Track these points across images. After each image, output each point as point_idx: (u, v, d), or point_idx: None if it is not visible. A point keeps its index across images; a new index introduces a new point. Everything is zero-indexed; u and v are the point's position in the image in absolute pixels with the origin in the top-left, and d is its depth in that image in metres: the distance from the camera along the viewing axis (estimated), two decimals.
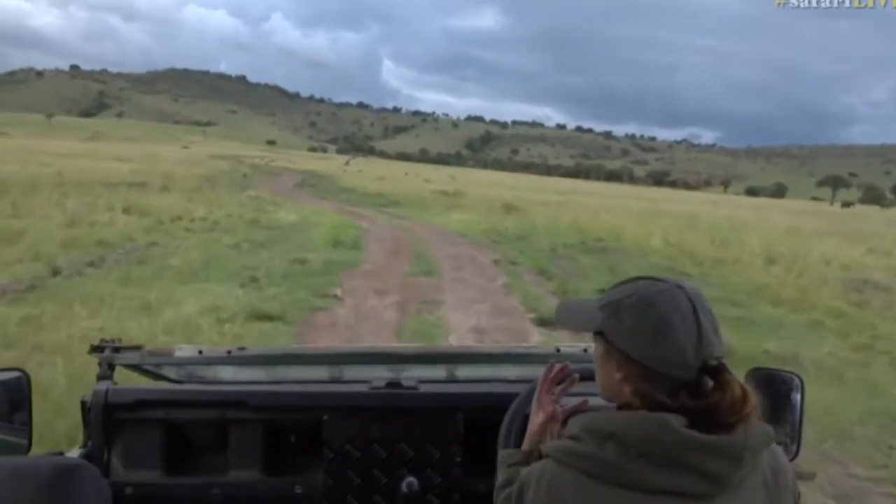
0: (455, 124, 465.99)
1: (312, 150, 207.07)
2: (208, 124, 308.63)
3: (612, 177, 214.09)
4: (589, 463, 1.00)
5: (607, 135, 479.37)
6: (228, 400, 1.74)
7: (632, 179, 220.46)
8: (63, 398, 4.20)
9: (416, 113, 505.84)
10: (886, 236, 26.23)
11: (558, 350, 1.80)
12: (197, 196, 22.60)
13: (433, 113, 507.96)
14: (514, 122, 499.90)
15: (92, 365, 5.19)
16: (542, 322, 7.92)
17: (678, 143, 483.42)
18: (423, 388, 1.77)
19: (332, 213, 22.40)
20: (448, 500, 1.69)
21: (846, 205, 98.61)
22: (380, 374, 1.84)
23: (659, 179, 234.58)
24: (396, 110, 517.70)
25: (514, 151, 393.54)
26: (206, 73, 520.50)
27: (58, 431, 3.85)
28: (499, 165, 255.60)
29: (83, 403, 1.70)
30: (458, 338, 7.33)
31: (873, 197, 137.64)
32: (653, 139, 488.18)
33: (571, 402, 1.31)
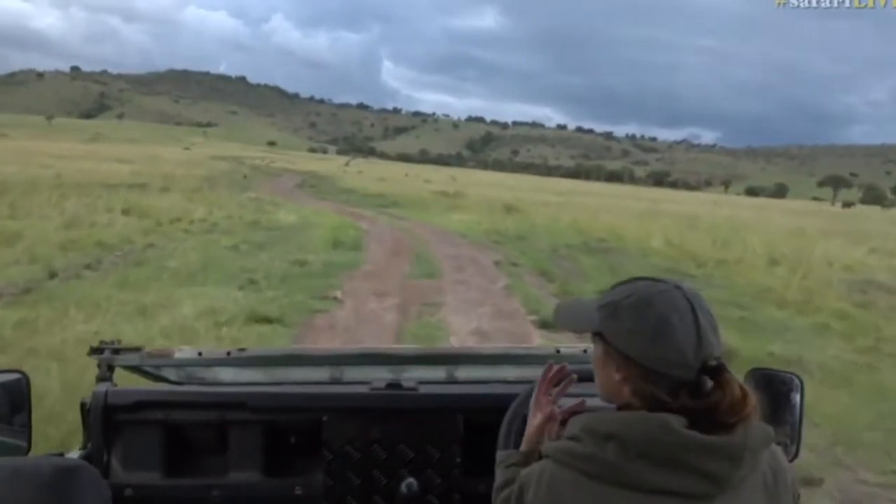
0: (455, 125, 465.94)
1: (312, 150, 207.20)
2: (209, 125, 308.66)
3: (613, 177, 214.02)
4: (589, 463, 1.00)
5: (608, 135, 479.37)
6: (228, 401, 1.73)
7: (632, 180, 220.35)
8: (56, 405, 4.11)
9: (417, 113, 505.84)
10: (889, 236, 26.15)
11: (558, 351, 1.80)
12: (197, 197, 22.54)
13: (433, 113, 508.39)
14: (515, 123, 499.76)
15: (87, 370, 5.10)
16: (544, 324, 7.82)
17: (678, 143, 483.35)
18: (423, 389, 1.76)
19: (332, 213, 22.33)
20: (448, 500, 1.69)
21: (847, 205, 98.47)
22: (379, 375, 1.83)
23: (659, 180, 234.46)
24: (396, 111, 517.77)
25: (515, 152, 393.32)
26: (207, 74, 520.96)
27: (51, 439, 3.76)
28: (499, 166, 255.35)
29: (83, 405, 1.70)
30: (459, 341, 7.25)
31: (874, 197, 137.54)
32: (653, 139, 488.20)
33: (570, 402, 1.32)
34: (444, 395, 1.79)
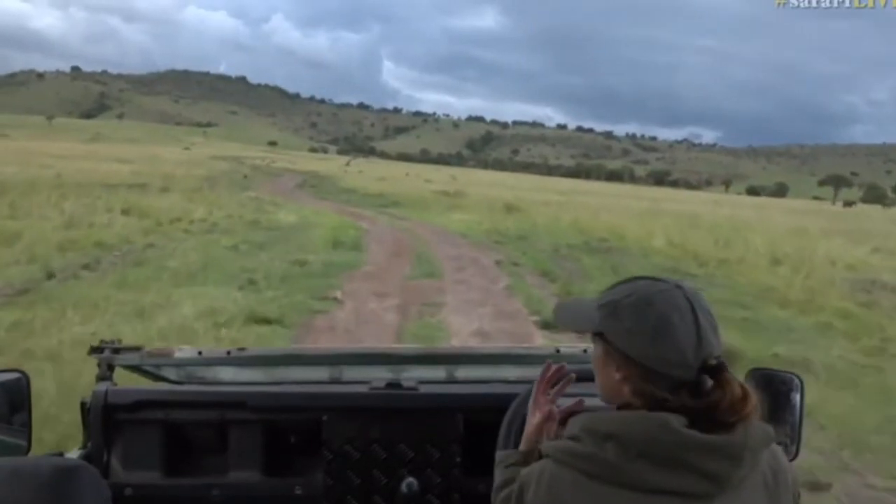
0: (456, 124, 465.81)
1: (313, 150, 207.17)
2: (209, 125, 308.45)
3: (613, 177, 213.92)
4: (589, 463, 0.99)
5: (608, 135, 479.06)
6: (228, 401, 1.73)
7: (633, 179, 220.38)
8: (52, 408, 4.05)
9: (417, 113, 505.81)
10: (891, 235, 26.06)
11: (558, 351, 1.80)
12: (197, 197, 22.48)
13: (434, 113, 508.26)
14: (515, 123, 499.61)
15: (83, 372, 5.03)
16: (546, 325, 7.75)
17: (679, 142, 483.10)
18: (423, 389, 1.76)
19: (332, 213, 22.27)
20: (448, 500, 1.68)
21: (848, 204, 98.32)
22: (379, 375, 1.83)
23: (660, 179, 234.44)
24: (397, 111, 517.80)
25: (515, 151, 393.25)
26: (207, 74, 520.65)
27: (45, 443, 3.69)
28: (499, 165, 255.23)
29: (83, 404, 1.70)
30: (460, 342, 7.18)
31: (875, 196, 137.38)
32: (653, 139, 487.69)
33: (568, 402, 1.32)
34: (444, 395, 1.78)
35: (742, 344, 7.03)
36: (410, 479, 1.65)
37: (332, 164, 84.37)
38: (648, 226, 21.70)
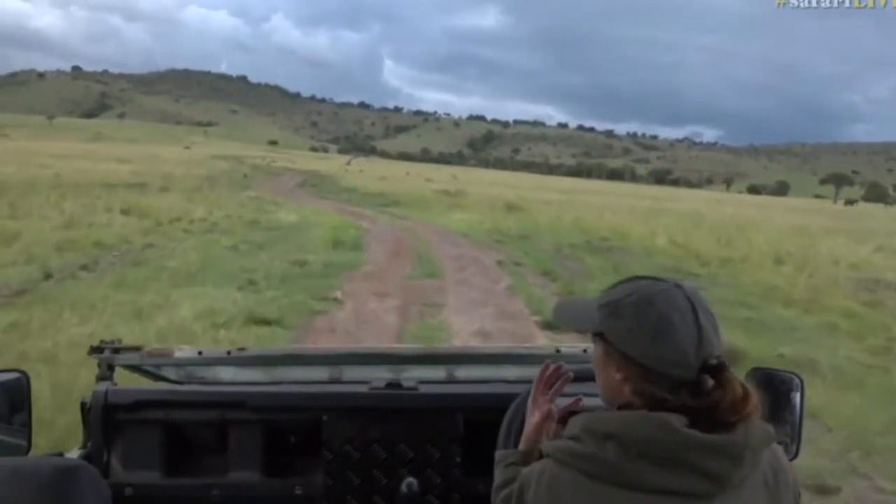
0: (456, 123, 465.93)
1: (314, 150, 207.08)
2: (209, 125, 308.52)
3: (614, 175, 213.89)
4: (589, 463, 0.99)
5: (609, 133, 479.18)
6: (228, 401, 1.73)
7: (633, 178, 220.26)
8: (46, 412, 3.96)
9: (418, 112, 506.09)
10: (894, 234, 25.95)
11: (558, 350, 1.79)
12: (197, 197, 22.40)
13: (434, 112, 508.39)
14: (516, 122, 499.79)
15: (79, 374, 4.94)
16: (548, 325, 7.67)
17: (680, 141, 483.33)
18: (423, 389, 1.76)
19: (332, 213, 22.16)
20: (448, 500, 1.68)
21: (849, 202, 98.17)
22: (379, 375, 1.83)
23: (661, 178, 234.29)
24: (398, 110, 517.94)
25: (516, 150, 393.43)
26: (208, 73, 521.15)
27: (38, 448, 3.61)
28: (500, 164, 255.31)
29: (83, 404, 1.70)
30: (461, 343, 7.09)
31: (876, 194, 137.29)
32: (654, 138, 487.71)
33: (568, 401, 1.33)
34: (444, 395, 1.78)
35: (746, 344, 6.95)
36: (410, 479, 1.65)
37: (332, 164, 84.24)
38: (650, 225, 21.63)
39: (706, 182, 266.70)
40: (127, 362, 1.79)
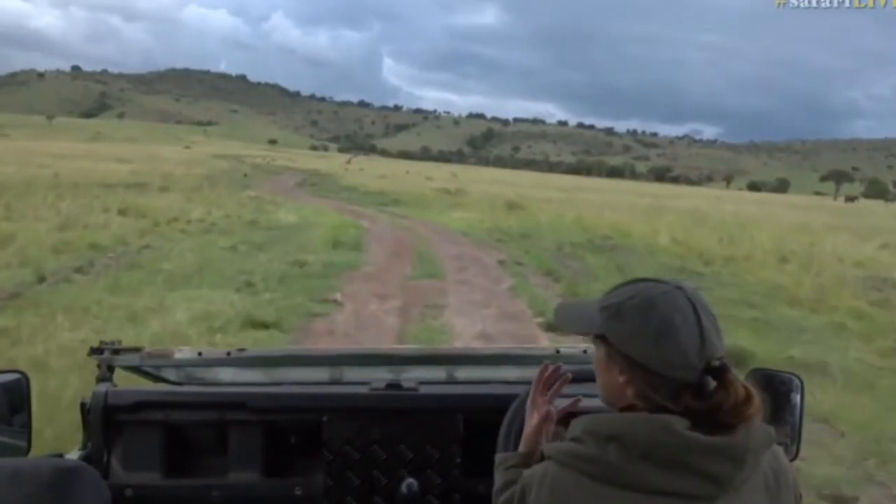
0: (456, 122, 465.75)
1: (314, 148, 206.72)
2: (209, 124, 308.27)
3: (614, 173, 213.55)
4: (591, 465, 0.99)
5: (609, 131, 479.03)
6: (228, 401, 1.73)
7: (633, 175, 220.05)
8: (34, 423, 3.80)
9: (418, 111, 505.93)
10: None
11: (558, 351, 1.80)
12: (196, 196, 22.23)
13: (434, 111, 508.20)
14: (516, 120, 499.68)
15: (69, 381, 4.76)
16: (551, 327, 7.52)
17: (680, 138, 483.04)
18: (423, 390, 1.76)
19: (332, 212, 22.01)
20: (448, 501, 1.68)
21: (850, 199, 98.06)
22: (379, 376, 1.83)
23: (661, 175, 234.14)
24: (398, 108, 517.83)
25: (516, 148, 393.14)
26: (207, 72, 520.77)
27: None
28: (500, 163, 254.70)
29: (83, 405, 1.70)
30: (463, 345, 6.95)
31: (877, 191, 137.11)
32: (654, 135, 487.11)
33: (567, 402, 1.33)
34: (444, 396, 1.78)
35: (754, 346, 6.81)
36: (410, 480, 1.65)
37: (332, 162, 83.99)
38: (652, 223, 21.48)
39: (706, 179, 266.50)
40: (127, 363, 1.79)
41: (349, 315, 8.00)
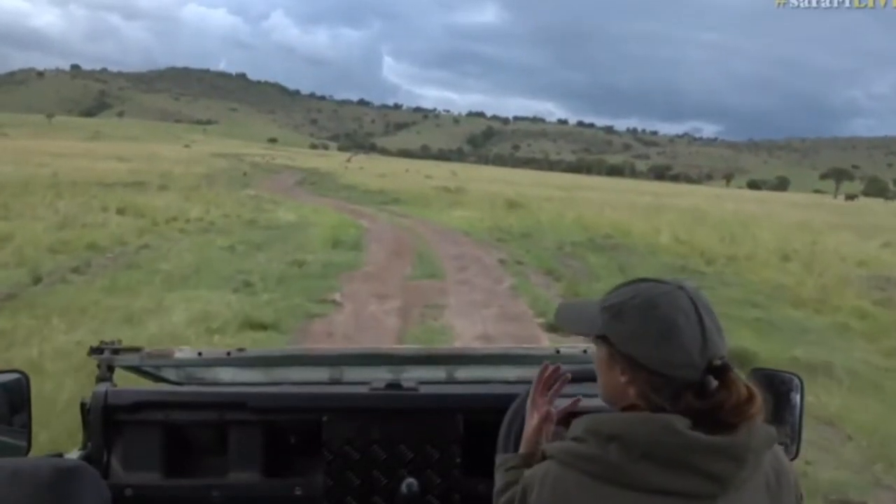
0: (456, 120, 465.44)
1: (314, 147, 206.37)
2: (209, 122, 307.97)
3: (614, 171, 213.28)
4: (592, 464, 0.99)
5: (609, 129, 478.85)
6: (228, 401, 1.73)
7: (633, 174, 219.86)
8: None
9: (418, 109, 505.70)
10: None
11: (558, 351, 1.80)
12: (195, 195, 22.15)
13: (434, 109, 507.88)
14: (516, 118, 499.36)
15: (64, 385, 4.67)
16: (553, 328, 7.44)
17: (680, 137, 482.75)
18: (423, 390, 1.76)
19: (332, 211, 21.93)
20: (448, 500, 1.68)
21: (850, 197, 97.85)
22: (379, 376, 1.83)
23: (660, 174, 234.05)
24: (397, 107, 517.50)
25: (516, 147, 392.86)
26: (207, 71, 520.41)
27: None
28: (500, 161, 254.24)
29: (83, 405, 1.70)
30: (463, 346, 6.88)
31: (876, 189, 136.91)
32: (654, 133, 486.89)
33: (567, 402, 1.34)
34: (444, 396, 1.78)
35: (757, 346, 6.74)
36: (410, 480, 1.64)
37: (332, 161, 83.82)
38: (653, 222, 21.42)
39: (706, 178, 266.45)
40: (127, 363, 1.79)
41: (348, 316, 7.92)
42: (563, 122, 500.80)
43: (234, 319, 6.99)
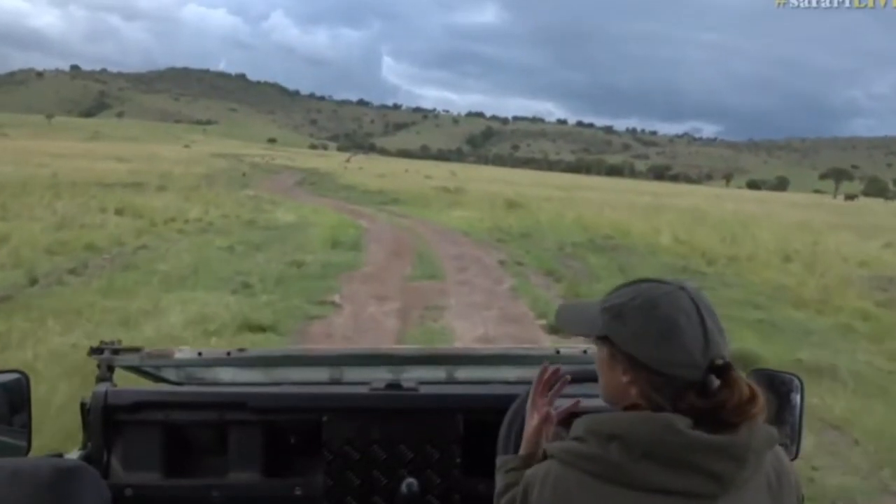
0: (455, 120, 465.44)
1: (313, 147, 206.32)
2: (209, 123, 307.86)
3: (613, 171, 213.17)
4: (593, 464, 0.99)
5: (608, 129, 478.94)
6: (228, 401, 1.74)
7: (633, 174, 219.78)
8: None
9: (417, 109, 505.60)
10: None
11: (558, 352, 1.79)
12: (194, 196, 22.07)
13: (434, 109, 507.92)
14: (515, 118, 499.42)
15: (58, 388, 4.59)
16: (554, 330, 7.37)
17: (679, 137, 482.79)
18: (423, 390, 1.76)
19: (331, 211, 21.87)
20: (448, 500, 1.68)
21: (850, 197, 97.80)
22: (379, 376, 1.83)
23: (660, 174, 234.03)
24: (397, 107, 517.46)
25: (515, 147, 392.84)
26: (207, 71, 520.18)
27: None
28: (500, 161, 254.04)
29: (83, 405, 1.70)
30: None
31: (876, 189, 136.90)
32: (654, 133, 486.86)
33: (567, 403, 1.33)
34: (444, 396, 1.79)
35: (760, 348, 6.69)
36: (410, 480, 1.64)
37: (331, 161, 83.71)
38: (653, 222, 21.36)
39: (706, 178, 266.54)
40: (127, 363, 1.79)
41: (348, 317, 7.85)
42: (562, 122, 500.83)
43: (232, 321, 6.92)
